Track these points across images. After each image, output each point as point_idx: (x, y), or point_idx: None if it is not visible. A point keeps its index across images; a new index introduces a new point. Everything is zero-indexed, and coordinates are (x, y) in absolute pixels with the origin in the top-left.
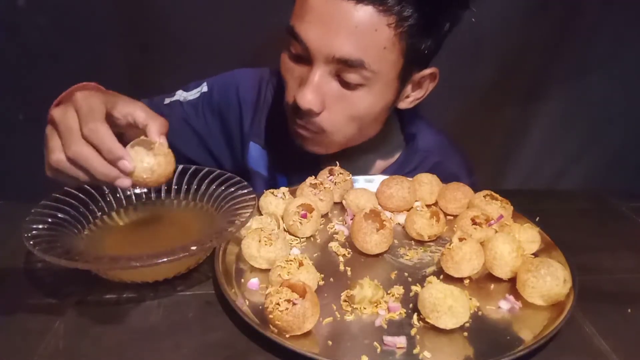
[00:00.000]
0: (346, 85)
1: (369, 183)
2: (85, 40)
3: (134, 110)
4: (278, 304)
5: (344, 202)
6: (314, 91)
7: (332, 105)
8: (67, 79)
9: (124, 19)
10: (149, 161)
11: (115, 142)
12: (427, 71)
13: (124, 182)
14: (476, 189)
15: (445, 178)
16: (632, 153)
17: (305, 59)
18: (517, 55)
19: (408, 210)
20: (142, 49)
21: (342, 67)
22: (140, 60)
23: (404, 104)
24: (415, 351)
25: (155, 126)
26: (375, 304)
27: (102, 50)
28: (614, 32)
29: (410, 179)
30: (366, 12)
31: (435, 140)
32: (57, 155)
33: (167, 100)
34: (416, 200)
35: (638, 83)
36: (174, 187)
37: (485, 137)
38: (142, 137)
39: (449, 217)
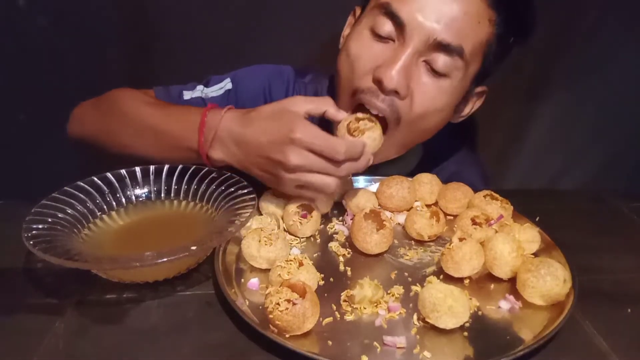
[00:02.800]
0: (432, 72)
1: (369, 183)
2: (85, 40)
3: (306, 107)
4: (278, 304)
5: (344, 202)
6: (401, 71)
7: (414, 93)
8: (67, 79)
9: (124, 19)
10: (373, 136)
11: (358, 144)
12: (479, 88)
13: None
14: None
15: None
16: (632, 153)
17: (390, 39)
18: (517, 55)
19: (408, 210)
20: (143, 49)
21: (435, 51)
22: (141, 60)
23: (455, 118)
24: (415, 351)
25: (331, 107)
26: (375, 304)
27: (102, 50)
28: (614, 32)
29: (410, 179)
30: (475, 1)
31: (454, 148)
32: (332, 186)
33: (187, 96)
34: (416, 200)
35: (638, 83)
36: (174, 187)
37: (485, 137)
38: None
39: (449, 217)
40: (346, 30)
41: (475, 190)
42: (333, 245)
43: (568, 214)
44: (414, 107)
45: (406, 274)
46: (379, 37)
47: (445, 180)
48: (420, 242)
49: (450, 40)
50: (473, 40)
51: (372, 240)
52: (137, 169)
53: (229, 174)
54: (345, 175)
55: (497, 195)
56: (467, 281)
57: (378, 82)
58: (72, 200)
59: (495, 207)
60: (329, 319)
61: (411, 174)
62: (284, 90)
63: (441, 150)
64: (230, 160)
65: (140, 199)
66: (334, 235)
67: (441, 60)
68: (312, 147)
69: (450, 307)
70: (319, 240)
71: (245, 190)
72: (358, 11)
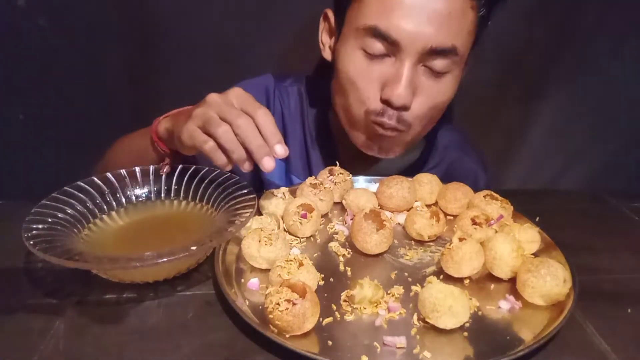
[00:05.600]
0: (434, 73)
1: (368, 183)
2: (85, 40)
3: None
4: (278, 304)
5: (344, 202)
6: (407, 86)
7: (418, 97)
8: (67, 79)
9: (124, 19)
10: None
11: (277, 128)
12: None
13: (270, 162)
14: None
15: (465, 173)
16: (632, 153)
17: (386, 55)
18: (517, 55)
19: (408, 210)
20: (143, 49)
21: (432, 57)
22: (141, 60)
23: None
24: (415, 351)
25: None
26: (375, 304)
27: (102, 50)
28: (614, 32)
29: (411, 179)
30: None
31: (453, 137)
32: (223, 127)
33: None
34: (416, 200)
35: (638, 83)
36: (174, 187)
37: (485, 137)
38: None
39: (449, 217)
40: (324, 36)
41: (476, 176)
42: (333, 245)
43: (568, 214)
44: (419, 110)
45: (406, 274)
46: (374, 56)
47: (449, 166)
48: (420, 242)
49: (444, 44)
50: (462, 33)
51: (372, 240)
52: (137, 169)
53: (229, 174)
54: (242, 123)
55: (497, 195)
56: (467, 281)
57: (386, 102)
58: (72, 200)
59: (495, 207)
60: (329, 319)
61: (415, 163)
62: (263, 100)
63: (443, 139)
64: (172, 124)
65: (140, 199)
66: (334, 235)
67: (439, 63)
68: (235, 95)
69: (450, 307)
70: (319, 240)
71: (245, 190)
72: (330, 15)
